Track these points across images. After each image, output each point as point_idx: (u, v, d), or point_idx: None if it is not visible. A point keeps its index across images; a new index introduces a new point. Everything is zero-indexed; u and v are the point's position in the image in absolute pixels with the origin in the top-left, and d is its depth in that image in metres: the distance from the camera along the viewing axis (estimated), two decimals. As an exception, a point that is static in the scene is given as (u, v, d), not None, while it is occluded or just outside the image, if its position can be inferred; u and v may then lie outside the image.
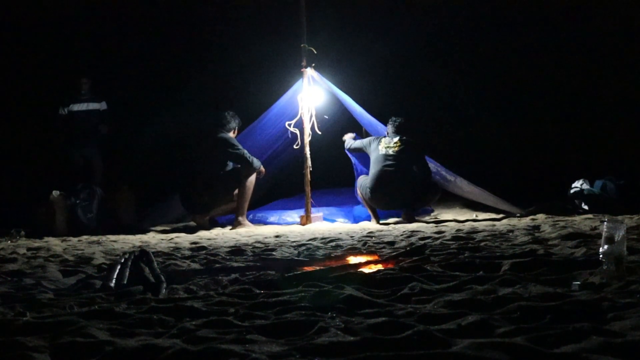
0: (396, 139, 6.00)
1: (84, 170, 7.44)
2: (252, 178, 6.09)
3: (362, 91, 7.46)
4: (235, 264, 3.03)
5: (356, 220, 6.25)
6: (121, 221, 6.27)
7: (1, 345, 1.50)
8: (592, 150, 9.71)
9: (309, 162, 6.32)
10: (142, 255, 2.66)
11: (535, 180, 8.64)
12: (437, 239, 3.91)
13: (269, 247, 3.86)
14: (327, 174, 7.58)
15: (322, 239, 4.29)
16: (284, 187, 7.98)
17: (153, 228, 6.22)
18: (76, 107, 7.45)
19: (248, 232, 5.36)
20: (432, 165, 6.29)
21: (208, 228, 6.08)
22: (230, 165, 6.17)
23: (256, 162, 6.11)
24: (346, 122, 7.64)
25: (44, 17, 9.82)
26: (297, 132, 6.30)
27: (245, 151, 6.11)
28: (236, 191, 6.11)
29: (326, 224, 5.97)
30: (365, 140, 6.21)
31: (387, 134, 6.12)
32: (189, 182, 6.21)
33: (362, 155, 6.41)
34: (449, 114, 11.17)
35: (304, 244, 3.98)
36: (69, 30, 9.93)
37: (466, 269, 2.48)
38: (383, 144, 5.97)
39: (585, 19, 10.40)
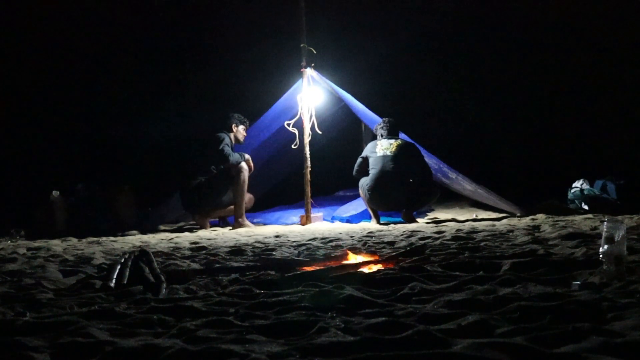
0: (393, 140, 5.98)
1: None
2: (245, 177, 6.08)
3: (362, 91, 7.48)
4: (235, 264, 3.03)
5: (333, 220, 6.34)
6: (122, 221, 6.28)
7: (1, 345, 1.50)
8: (592, 150, 9.72)
9: (309, 162, 6.32)
10: (142, 255, 2.66)
11: (535, 180, 8.66)
12: (437, 239, 3.91)
13: (269, 247, 3.86)
14: (327, 177, 7.59)
15: (322, 239, 4.29)
16: (284, 193, 8.00)
17: (153, 228, 6.22)
18: None
19: (248, 232, 5.37)
20: (434, 161, 6.28)
21: (208, 228, 6.09)
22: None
23: (233, 157, 6.03)
24: (347, 120, 7.65)
25: (44, 17, 9.83)
26: (297, 131, 6.30)
27: (226, 147, 6.04)
28: (231, 193, 6.11)
29: (326, 224, 5.96)
30: (363, 153, 6.12)
31: (382, 135, 6.08)
32: (186, 182, 6.22)
33: None
34: (449, 113, 11.18)
35: (304, 244, 3.98)
36: (69, 31, 9.93)
37: (466, 269, 2.48)
38: (380, 146, 5.96)
39: (585, 19, 10.39)
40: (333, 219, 6.42)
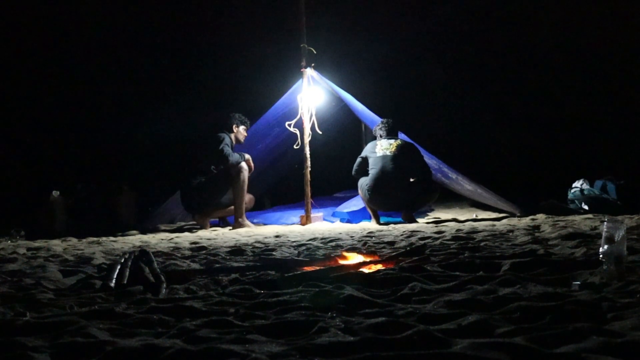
0: (392, 140, 5.98)
1: None
2: (244, 177, 6.07)
3: (362, 91, 7.49)
4: (235, 264, 3.03)
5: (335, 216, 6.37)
6: (122, 221, 6.28)
7: (1, 345, 1.50)
8: (592, 150, 9.72)
9: (309, 162, 6.32)
10: (142, 255, 2.66)
11: (535, 180, 8.66)
12: (437, 239, 3.91)
13: (269, 247, 3.86)
14: (327, 178, 7.60)
15: (322, 239, 4.29)
16: (284, 193, 8.00)
17: (153, 228, 6.22)
18: None
19: (248, 232, 5.36)
20: (434, 162, 6.27)
21: (208, 228, 6.09)
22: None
23: (233, 157, 6.02)
24: (347, 121, 7.66)
25: (44, 17, 9.83)
26: (297, 132, 6.30)
27: (226, 147, 6.03)
28: (231, 193, 6.11)
29: (326, 224, 5.96)
30: (363, 153, 6.10)
31: (381, 136, 6.08)
32: (187, 182, 6.22)
33: None
34: (449, 113, 11.18)
35: (304, 244, 3.98)
36: (70, 30, 9.93)
37: (466, 269, 2.48)
38: (380, 146, 5.95)
39: (585, 20, 10.40)
40: (334, 215, 6.42)
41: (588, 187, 6.27)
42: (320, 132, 6.37)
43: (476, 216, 6.13)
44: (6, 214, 6.22)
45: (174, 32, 10.54)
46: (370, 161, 5.96)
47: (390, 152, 5.88)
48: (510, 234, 4.05)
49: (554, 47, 10.78)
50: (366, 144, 6.38)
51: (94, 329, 1.64)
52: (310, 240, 4.25)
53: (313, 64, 6.44)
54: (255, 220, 6.53)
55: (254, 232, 5.41)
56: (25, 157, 9.13)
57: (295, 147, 6.35)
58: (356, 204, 6.48)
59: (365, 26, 10.89)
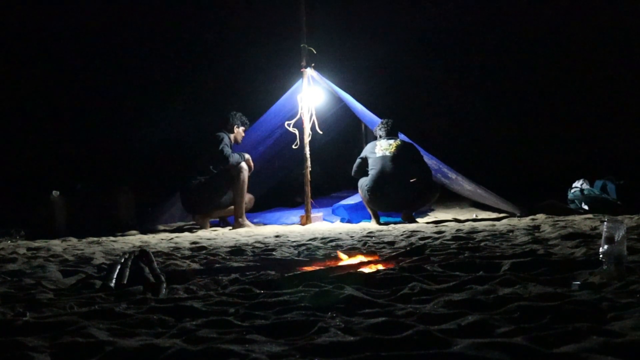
0: (392, 140, 5.97)
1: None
2: (244, 177, 6.07)
3: (361, 91, 7.49)
4: (235, 264, 3.03)
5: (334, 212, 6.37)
6: (121, 221, 6.27)
7: (1, 345, 1.50)
8: (592, 150, 9.73)
9: (309, 162, 6.32)
10: (142, 255, 2.66)
11: (535, 180, 8.66)
12: (437, 239, 3.91)
13: (269, 247, 3.86)
14: (327, 178, 7.59)
15: (322, 239, 4.29)
16: (284, 194, 7.99)
17: (153, 228, 6.22)
18: None
19: (248, 232, 5.36)
20: (434, 162, 6.27)
21: (208, 228, 6.08)
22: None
23: (233, 158, 6.01)
24: (347, 121, 7.66)
25: (43, 17, 9.82)
26: (297, 131, 6.30)
27: (226, 147, 6.03)
28: (231, 193, 6.11)
29: (326, 224, 5.96)
30: (362, 154, 6.09)
31: (381, 136, 6.07)
32: (187, 182, 6.21)
33: None
34: (448, 113, 11.17)
35: (304, 244, 3.98)
36: (70, 30, 9.93)
37: (466, 269, 2.48)
38: (380, 147, 5.94)
39: (585, 20, 10.40)
40: (333, 211, 6.42)
41: (588, 187, 6.27)
42: (321, 132, 6.37)
43: (476, 216, 6.13)
44: (6, 214, 6.22)
45: (174, 32, 10.54)
46: (370, 162, 5.95)
47: (390, 152, 5.87)
48: (510, 234, 4.05)
49: (554, 47, 10.78)
50: (366, 144, 6.37)
51: (94, 329, 1.65)
52: (310, 240, 4.25)
53: (313, 64, 6.44)
54: (255, 220, 6.53)
55: (254, 232, 5.41)
56: (25, 157, 9.13)
57: (294, 146, 6.34)
58: (355, 199, 6.48)
59: (365, 26, 10.88)
